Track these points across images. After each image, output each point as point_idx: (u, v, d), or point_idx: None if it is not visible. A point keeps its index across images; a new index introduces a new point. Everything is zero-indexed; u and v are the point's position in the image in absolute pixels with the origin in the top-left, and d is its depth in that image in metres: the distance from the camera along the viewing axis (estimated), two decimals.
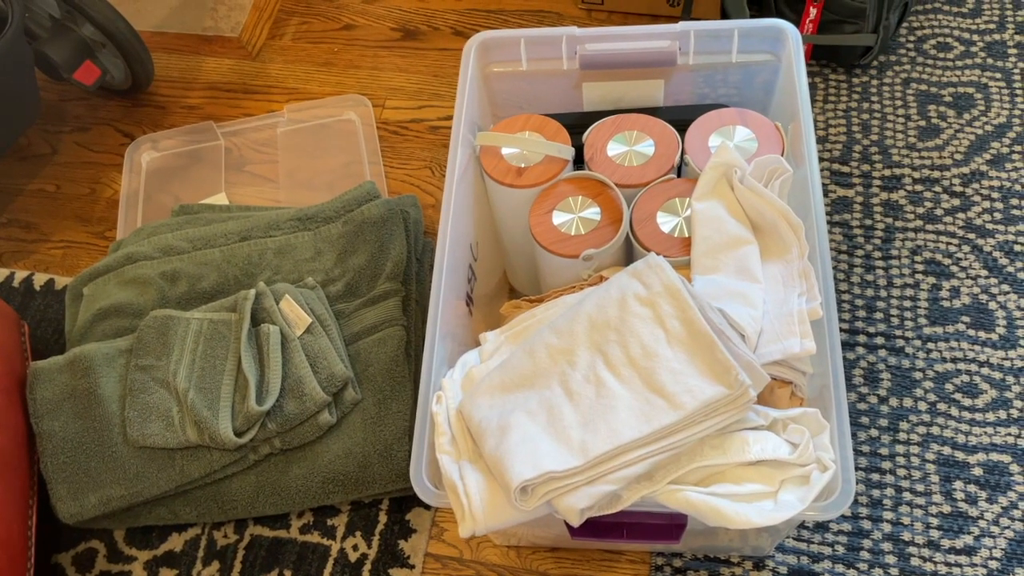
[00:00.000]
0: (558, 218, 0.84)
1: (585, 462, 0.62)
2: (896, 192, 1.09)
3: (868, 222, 1.08)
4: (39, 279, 1.15)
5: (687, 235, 0.81)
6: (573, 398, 0.67)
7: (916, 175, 1.10)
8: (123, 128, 1.29)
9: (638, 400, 0.65)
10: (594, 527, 0.67)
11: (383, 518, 0.94)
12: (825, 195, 1.10)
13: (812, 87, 1.18)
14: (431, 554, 0.92)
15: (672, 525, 0.68)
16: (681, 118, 0.91)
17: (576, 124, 0.92)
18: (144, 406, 0.88)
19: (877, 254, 1.05)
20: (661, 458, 0.63)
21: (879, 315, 1.01)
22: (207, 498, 0.90)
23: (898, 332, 1.00)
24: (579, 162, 0.90)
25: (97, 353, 0.91)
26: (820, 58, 1.20)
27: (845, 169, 1.12)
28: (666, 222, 0.82)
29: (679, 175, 0.88)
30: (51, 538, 0.95)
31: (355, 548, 0.93)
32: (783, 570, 0.87)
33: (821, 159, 1.13)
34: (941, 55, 1.19)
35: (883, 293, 1.02)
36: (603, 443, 0.63)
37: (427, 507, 0.94)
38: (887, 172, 1.11)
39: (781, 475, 0.65)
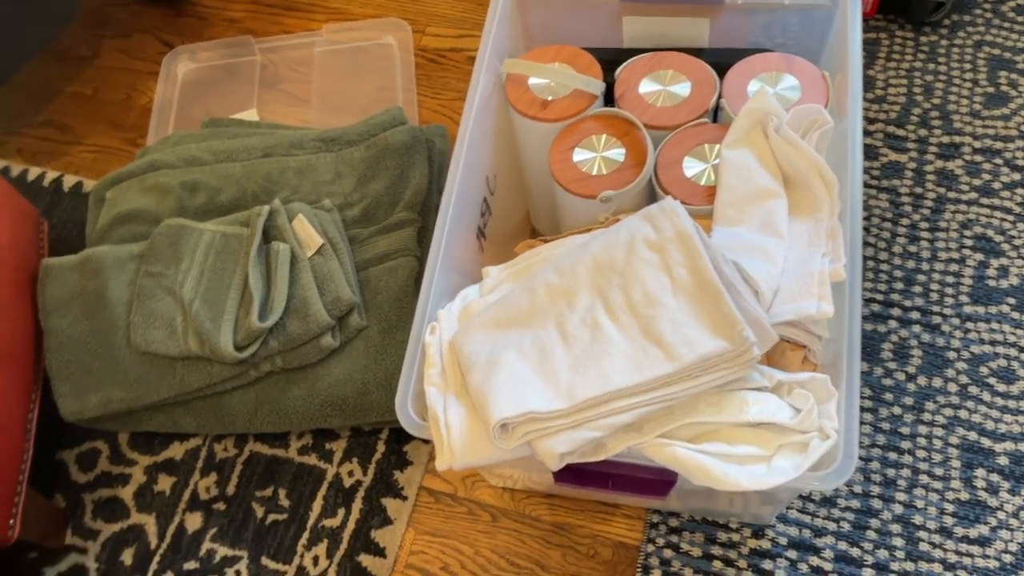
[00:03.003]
0: (579, 156, 0.81)
1: (570, 405, 0.60)
2: (953, 161, 1.02)
3: (918, 190, 1.01)
4: (68, 181, 1.16)
5: (713, 183, 0.77)
6: (567, 340, 0.64)
7: (977, 144, 1.03)
8: (163, 37, 1.28)
9: (634, 348, 0.62)
10: (578, 474, 0.65)
11: (381, 447, 0.93)
12: (875, 158, 1.04)
13: (875, 43, 1.11)
14: (425, 488, 0.92)
15: (661, 481, 0.66)
16: (724, 61, 0.85)
17: (613, 60, 0.87)
18: (149, 312, 0.87)
19: (924, 224, 0.99)
20: (651, 409, 0.60)
21: (918, 289, 0.95)
22: (207, 410, 0.90)
23: (936, 308, 0.94)
24: (609, 101, 0.86)
25: (108, 255, 0.90)
26: (888, 12, 1.12)
27: (900, 132, 1.05)
28: (692, 168, 0.78)
29: (714, 120, 0.83)
30: (56, 435, 0.96)
31: (351, 474, 0.92)
32: (783, 541, 0.84)
33: (876, 120, 1.06)
34: (1021, 19, 1.10)
35: (925, 266, 0.97)
36: (591, 388, 0.60)
37: (426, 440, 0.93)
38: (945, 139, 1.04)
39: (779, 440, 0.61)
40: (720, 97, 0.81)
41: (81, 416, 0.88)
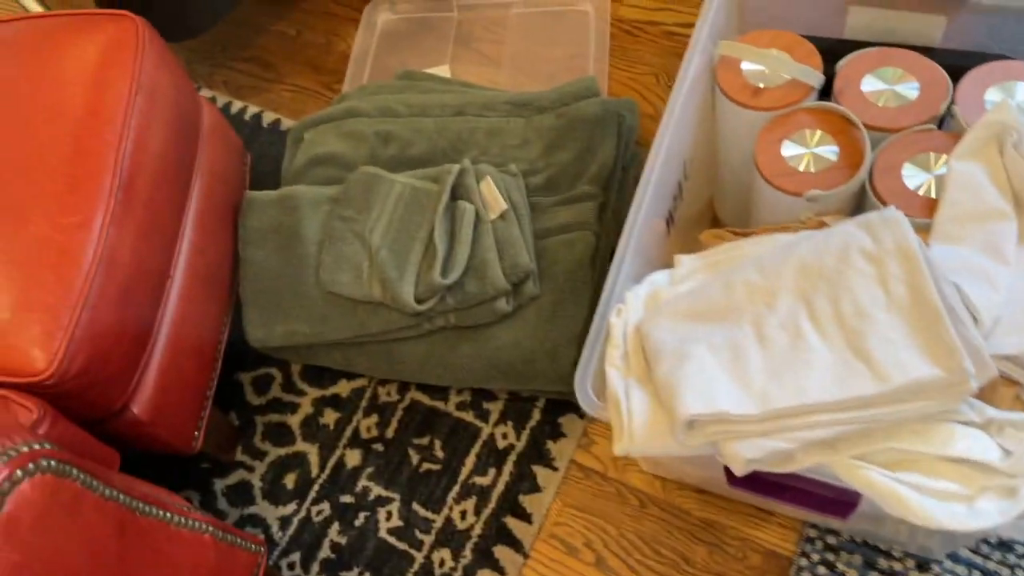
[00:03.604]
0: (788, 149, 0.77)
1: (763, 412, 0.58)
2: None
3: None
4: (268, 117, 1.21)
5: (934, 196, 0.72)
6: (764, 343, 0.62)
7: None
8: None
9: (837, 361, 0.59)
10: (756, 481, 0.63)
11: (536, 415, 0.94)
12: None
13: None
14: (576, 462, 0.92)
15: (843, 501, 0.63)
16: (957, 64, 0.79)
17: (831, 50, 0.83)
18: (339, 254, 0.91)
19: None
20: (849, 429, 0.58)
21: None
22: (379, 354, 0.93)
23: None
24: (825, 94, 0.81)
25: (306, 195, 0.94)
26: None
27: None
28: (912, 177, 0.73)
29: (940, 127, 0.78)
30: (237, 358, 1.03)
31: (504, 436, 0.94)
32: None
33: None
34: None
35: None
36: (787, 397, 0.58)
37: (581, 415, 0.93)
38: None
39: (984, 480, 0.57)
40: (952, 103, 0.75)
41: (266, 344, 0.93)
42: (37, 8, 1.21)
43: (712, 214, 1.01)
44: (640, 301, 0.70)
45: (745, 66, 0.81)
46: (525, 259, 0.88)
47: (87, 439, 0.66)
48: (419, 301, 0.87)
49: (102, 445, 0.68)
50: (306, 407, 1.00)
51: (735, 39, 0.84)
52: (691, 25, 1.17)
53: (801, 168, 0.76)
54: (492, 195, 0.91)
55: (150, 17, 0.87)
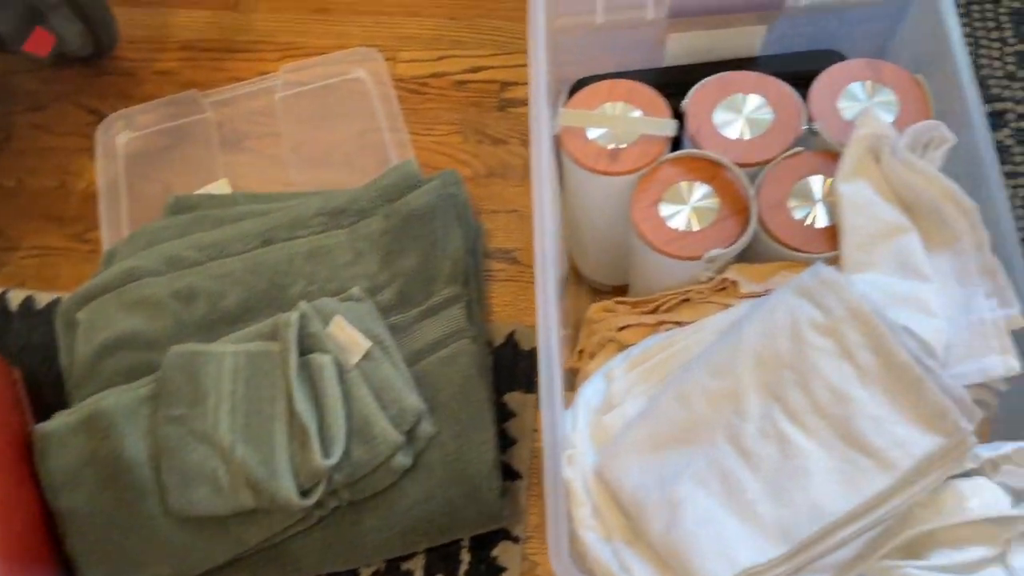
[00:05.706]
0: (667, 211, 0.70)
1: (789, 549, 0.51)
2: (1000, 132, 0.97)
3: None
4: (15, 297, 0.97)
5: (826, 224, 0.68)
6: (750, 459, 0.54)
7: (1021, 109, 0.97)
8: (86, 103, 1.09)
9: (836, 459, 0.53)
10: None
11: (466, 556, 0.82)
12: None
13: None
14: None
15: None
16: (787, 70, 0.76)
17: (658, 83, 0.77)
18: (184, 468, 0.73)
19: None
20: (875, 533, 0.52)
21: None
22: (266, 561, 0.76)
23: None
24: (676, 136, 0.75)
25: (116, 407, 0.75)
26: None
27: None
28: (799, 209, 0.69)
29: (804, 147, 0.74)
30: None
31: None
32: None
33: None
34: None
35: None
36: (806, 522, 0.51)
37: (515, 540, 0.83)
38: (987, 108, 0.98)
39: (1004, 533, 0.54)
40: (811, 120, 0.72)
41: None
42: None
43: (573, 268, 0.92)
44: (586, 438, 0.60)
45: (591, 131, 0.73)
46: (412, 399, 0.75)
47: None
48: (304, 493, 0.72)
49: None
50: None
51: (566, 102, 0.75)
52: (478, 69, 1.09)
53: (687, 228, 0.70)
54: (347, 336, 0.77)
55: None
